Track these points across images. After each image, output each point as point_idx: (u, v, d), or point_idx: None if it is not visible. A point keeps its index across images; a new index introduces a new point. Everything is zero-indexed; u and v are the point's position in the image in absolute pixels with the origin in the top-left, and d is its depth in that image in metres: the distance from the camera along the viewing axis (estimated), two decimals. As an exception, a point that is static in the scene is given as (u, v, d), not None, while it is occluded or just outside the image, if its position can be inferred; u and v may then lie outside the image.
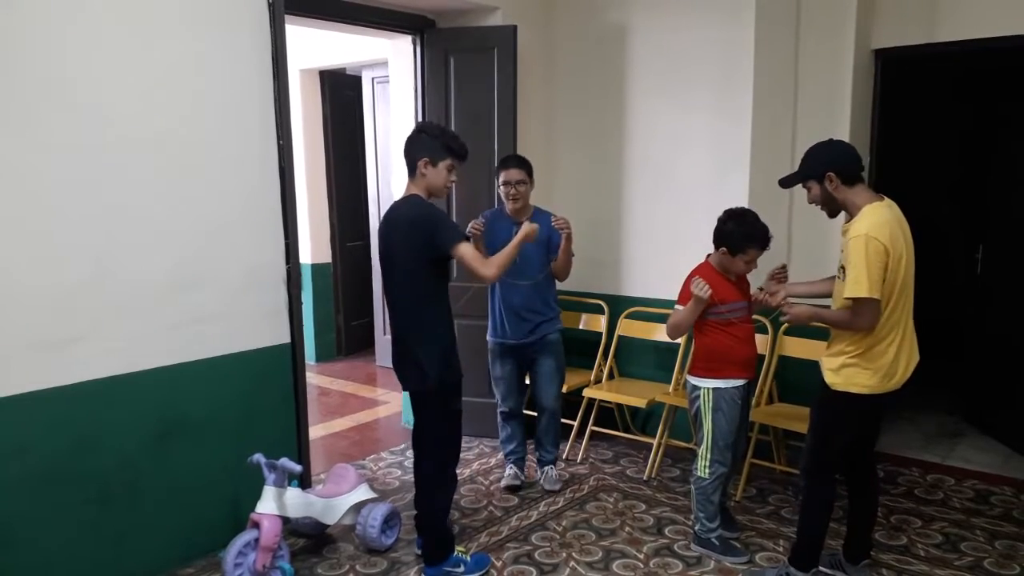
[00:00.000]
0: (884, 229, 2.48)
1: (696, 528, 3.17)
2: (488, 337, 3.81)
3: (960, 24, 3.76)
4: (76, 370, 2.69)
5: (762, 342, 3.85)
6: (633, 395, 4.05)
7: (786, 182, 2.79)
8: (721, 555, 3.09)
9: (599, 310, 4.44)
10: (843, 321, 2.60)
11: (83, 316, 2.69)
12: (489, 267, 2.80)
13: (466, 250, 2.75)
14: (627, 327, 4.32)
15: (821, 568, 2.92)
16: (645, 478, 3.93)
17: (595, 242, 4.54)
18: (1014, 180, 4.22)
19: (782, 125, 3.94)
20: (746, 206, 3.83)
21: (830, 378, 2.64)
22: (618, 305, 4.40)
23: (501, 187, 3.59)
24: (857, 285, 2.46)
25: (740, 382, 3.04)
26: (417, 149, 2.84)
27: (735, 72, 3.87)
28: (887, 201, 2.61)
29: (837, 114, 3.86)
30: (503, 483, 3.85)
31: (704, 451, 3.04)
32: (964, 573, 2.99)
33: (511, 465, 3.89)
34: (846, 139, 3.82)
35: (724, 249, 2.97)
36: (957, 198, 6.14)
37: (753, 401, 3.27)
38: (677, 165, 4.15)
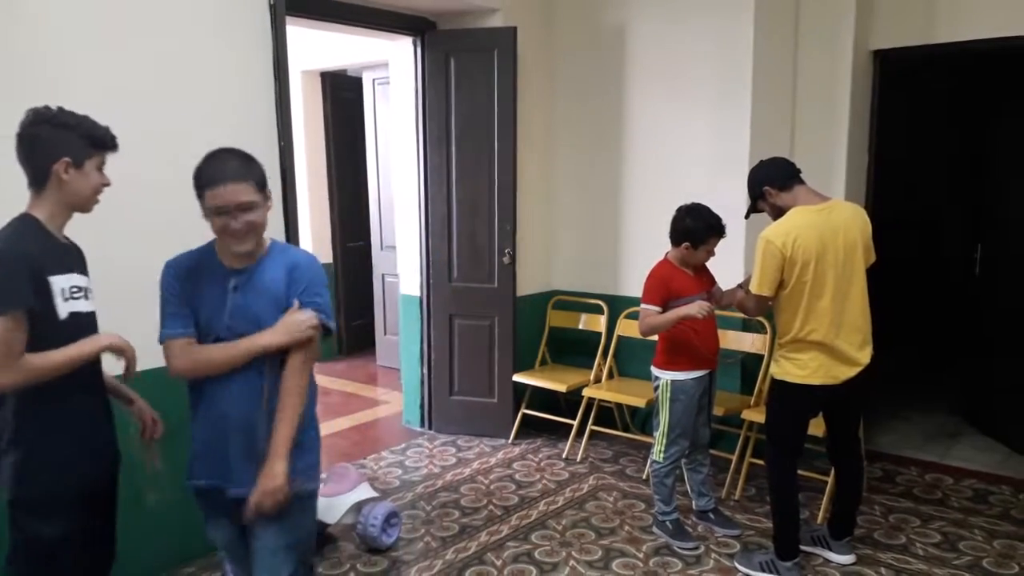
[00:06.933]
0: (786, 236, 2.68)
1: (654, 510, 3.33)
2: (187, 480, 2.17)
3: (959, 25, 3.77)
4: (78, 370, 2.69)
5: (761, 342, 3.87)
6: (632, 394, 4.06)
7: (747, 213, 3.08)
8: (671, 538, 3.24)
9: (598, 310, 4.46)
10: (741, 306, 3.04)
11: (85, 316, 2.69)
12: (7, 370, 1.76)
13: None
14: (626, 327, 4.32)
15: (803, 548, 3.03)
16: (644, 477, 3.94)
17: (595, 242, 4.56)
18: (1012, 180, 4.23)
19: (781, 126, 3.96)
20: (744, 207, 3.86)
21: (772, 368, 2.91)
22: (617, 305, 4.41)
23: (214, 217, 2.03)
24: (755, 280, 2.78)
25: (699, 374, 3.16)
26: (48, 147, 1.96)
27: (734, 73, 3.88)
28: (820, 206, 2.75)
29: (836, 115, 3.88)
30: None
31: (660, 437, 3.21)
32: (963, 572, 3.01)
33: None
34: (844, 139, 3.87)
35: (687, 244, 3.12)
36: (956, 198, 6.16)
37: (716, 392, 3.37)
38: (677, 165, 4.16)
